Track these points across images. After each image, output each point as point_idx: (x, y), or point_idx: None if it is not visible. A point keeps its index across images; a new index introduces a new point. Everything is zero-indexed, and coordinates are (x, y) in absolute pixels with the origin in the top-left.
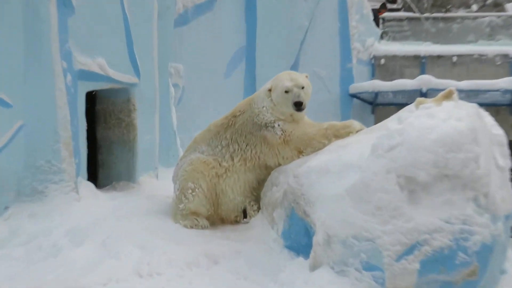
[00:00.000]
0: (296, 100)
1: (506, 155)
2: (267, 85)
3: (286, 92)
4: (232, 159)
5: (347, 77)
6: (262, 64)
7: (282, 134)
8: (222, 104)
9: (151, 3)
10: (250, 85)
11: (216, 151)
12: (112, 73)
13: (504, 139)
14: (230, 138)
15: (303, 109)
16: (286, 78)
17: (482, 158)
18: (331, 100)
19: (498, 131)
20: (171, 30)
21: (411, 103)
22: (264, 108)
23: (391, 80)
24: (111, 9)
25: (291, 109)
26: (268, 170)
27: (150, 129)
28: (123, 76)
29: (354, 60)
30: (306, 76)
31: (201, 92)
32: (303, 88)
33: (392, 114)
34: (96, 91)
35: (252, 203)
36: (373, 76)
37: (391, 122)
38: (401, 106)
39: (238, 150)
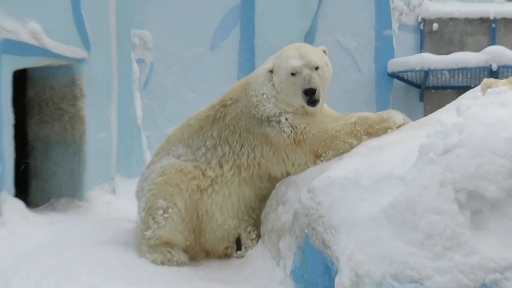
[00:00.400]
0: (307, 87)
1: None
2: (268, 64)
3: (293, 74)
4: (221, 167)
5: (384, 49)
6: (263, 32)
7: (292, 132)
8: (207, 88)
9: None
10: (247, 61)
11: (198, 155)
12: (50, 44)
13: None
14: (218, 137)
15: (316, 100)
16: (294, 55)
17: None
18: (362, 82)
19: None
20: None
21: (475, 86)
22: (265, 96)
23: (448, 53)
24: None
25: (300, 100)
26: (271, 182)
27: (104, 124)
28: (66, 49)
29: (395, 26)
30: (324, 51)
31: (176, 71)
32: (317, 69)
33: (448, 102)
34: (27, 69)
35: (249, 229)
36: (421, 48)
37: (447, 114)
38: (461, 90)
39: (229, 153)
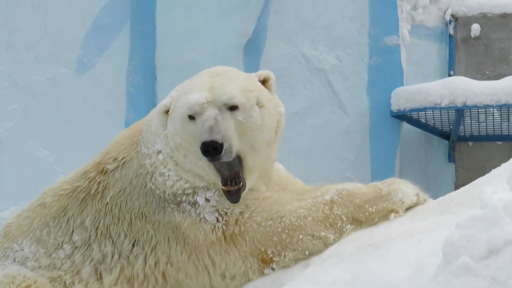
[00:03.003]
0: (205, 138)
1: None
2: (166, 99)
3: (191, 118)
4: (100, 279)
5: (386, 70)
6: (169, 42)
7: (219, 221)
8: (73, 139)
9: None
10: (142, 90)
11: (58, 258)
12: None
13: None
14: (94, 227)
15: (218, 159)
16: (200, 86)
17: None
18: (347, 126)
19: None
20: None
21: None
22: (161, 156)
23: (497, 77)
24: None
25: (203, 163)
26: None
27: None
28: None
29: (405, 29)
30: (265, 81)
31: (18, 109)
32: (234, 109)
33: (497, 163)
34: None
35: None
36: (451, 67)
37: (494, 186)
38: None
39: (113, 256)
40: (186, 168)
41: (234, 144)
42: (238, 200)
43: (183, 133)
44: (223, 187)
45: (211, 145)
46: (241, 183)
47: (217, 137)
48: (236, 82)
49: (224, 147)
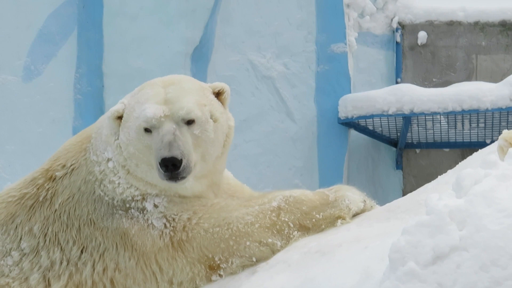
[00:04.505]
0: (165, 154)
1: None
2: (118, 105)
3: (147, 131)
4: (48, 285)
5: (333, 78)
6: (117, 46)
7: (167, 227)
8: (23, 144)
9: None
10: (90, 96)
11: (5, 265)
12: None
13: None
14: (43, 234)
15: (182, 177)
16: (154, 97)
17: None
18: (294, 134)
19: None
20: None
21: (492, 142)
22: (111, 164)
23: (444, 84)
24: None
25: (156, 176)
26: None
27: None
28: None
29: (352, 36)
30: (219, 93)
31: None
32: (190, 123)
33: (443, 169)
34: None
35: None
36: (398, 75)
37: (440, 193)
38: (467, 150)
39: (61, 263)
40: (138, 176)
41: (192, 159)
42: (178, 179)
43: (137, 144)
44: (165, 177)
45: (170, 161)
46: (184, 176)
47: (177, 153)
48: (191, 95)
49: (183, 163)
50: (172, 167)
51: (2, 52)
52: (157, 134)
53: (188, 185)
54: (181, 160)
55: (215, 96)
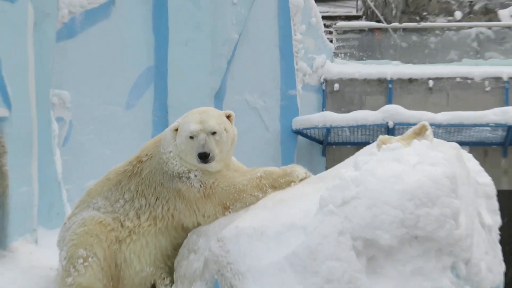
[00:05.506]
0: (200, 151)
1: (495, 210)
2: (174, 123)
3: (191, 138)
4: (138, 218)
5: (289, 108)
6: (175, 91)
7: (201, 187)
8: (124, 145)
9: (23, 8)
10: (160, 119)
11: (116, 207)
12: None
13: (492, 190)
14: (135, 190)
15: (209, 162)
16: (194, 119)
17: (463, 214)
18: (269, 138)
19: (484, 179)
20: (52, 44)
21: (373, 142)
22: (171, 154)
23: (348, 111)
24: None
25: (195, 161)
26: (186, 232)
27: (25, 179)
28: None
29: (299, 86)
30: (229, 116)
31: (94, 129)
32: (214, 134)
33: (348, 157)
34: None
35: (163, 275)
36: (324, 106)
37: (346, 168)
38: (360, 146)
39: (145, 206)
40: (186, 161)
41: (215, 153)
42: (207, 163)
43: (186, 144)
44: (200, 161)
45: (203, 154)
46: (210, 161)
47: (207, 150)
48: (214, 118)
49: (210, 155)
50: (204, 157)
51: (114, 92)
52: (196, 140)
53: (213, 165)
54: (209, 154)
55: (227, 118)
